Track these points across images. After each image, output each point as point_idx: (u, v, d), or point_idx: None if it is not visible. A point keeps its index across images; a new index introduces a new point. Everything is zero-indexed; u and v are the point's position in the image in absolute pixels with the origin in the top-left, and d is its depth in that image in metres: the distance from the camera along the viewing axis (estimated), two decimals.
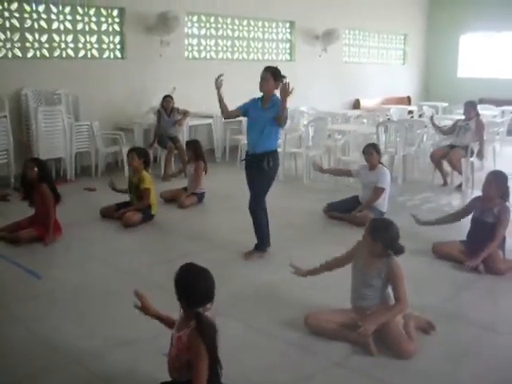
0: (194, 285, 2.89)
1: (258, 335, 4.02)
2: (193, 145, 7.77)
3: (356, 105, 14.66)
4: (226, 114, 5.64)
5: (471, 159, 8.55)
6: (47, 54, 9.12)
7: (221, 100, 5.50)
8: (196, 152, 7.68)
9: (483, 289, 4.93)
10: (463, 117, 9.07)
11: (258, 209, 5.50)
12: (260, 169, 5.33)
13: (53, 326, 4.10)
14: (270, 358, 3.74)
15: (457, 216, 5.73)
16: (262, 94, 5.38)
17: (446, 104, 13.86)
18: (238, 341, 3.84)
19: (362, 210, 6.60)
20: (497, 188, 5.30)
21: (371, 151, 6.78)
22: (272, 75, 5.24)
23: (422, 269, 5.26)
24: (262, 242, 5.61)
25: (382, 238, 3.84)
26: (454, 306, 4.55)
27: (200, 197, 7.63)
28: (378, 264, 3.89)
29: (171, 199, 7.56)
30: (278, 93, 5.26)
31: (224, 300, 3.95)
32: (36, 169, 5.88)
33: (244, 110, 5.51)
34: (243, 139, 10.28)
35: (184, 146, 8.53)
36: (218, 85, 5.47)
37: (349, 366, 3.64)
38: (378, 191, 6.67)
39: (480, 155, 8.70)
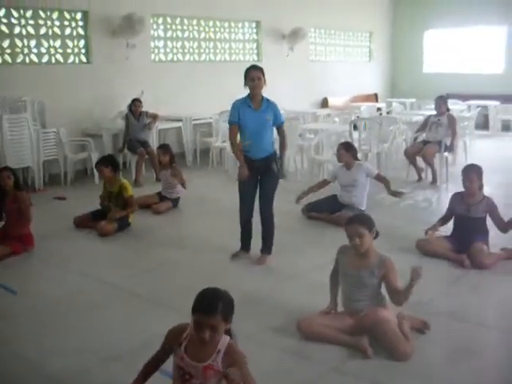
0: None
1: (248, 343, 3.83)
2: (168, 149, 7.59)
3: (324, 103, 14.62)
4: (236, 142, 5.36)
5: (445, 154, 8.57)
6: (10, 60, 8.86)
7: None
8: (172, 156, 7.53)
9: (471, 284, 4.88)
10: (434, 112, 9.10)
11: (271, 213, 5.37)
12: (269, 172, 5.22)
13: (35, 344, 3.91)
14: (262, 366, 3.57)
15: (446, 220, 5.61)
16: (248, 93, 5.18)
17: (413, 100, 13.94)
18: None
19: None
20: (478, 182, 5.31)
21: (340, 150, 6.80)
22: (262, 74, 5.11)
23: (408, 267, 5.17)
24: (272, 245, 5.47)
25: (373, 225, 3.84)
26: (444, 302, 4.49)
27: (175, 202, 7.47)
28: (368, 263, 3.82)
29: (145, 205, 7.38)
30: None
31: None
32: (12, 176, 5.71)
33: (238, 119, 5.18)
34: (214, 141, 10.21)
35: (155, 151, 8.36)
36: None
37: (346, 371, 3.53)
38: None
39: (451, 149, 8.74)
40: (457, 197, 5.50)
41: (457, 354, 3.70)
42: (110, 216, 6.39)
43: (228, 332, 2.83)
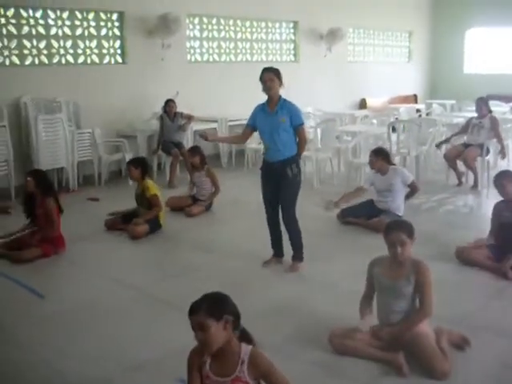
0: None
1: (275, 355, 3.69)
2: (196, 151, 7.49)
3: (362, 105, 14.37)
4: (239, 140, 5.49)
5: (486, 158, 8.26)
6: (46, 61, 8.86)
7: (223, 140, 5.28)
8: (202, 158, 7.42)
9: None
10: (475, 114, 8.79)
11: (292, 220, 5.22)
12: (284, 177, 5.08)
13: (59, 349, 3.83)
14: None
15: (493, 231, 5.32)
16: (267, 97, 5.06)
17: (453, 101, 13.58)
18: None
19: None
20: None
21: (370, 157, 6.60)
22: (275, 75, 4.96)
23: (447, 276, 4.93)
24: (302, 251, 5.31)
25: (414, 232, 3.67)
26: (486, 316, 4.25)
27: (208, 205, 7.35)
28: (404, 271, 3.63)
29: (178, 208, 7.28)
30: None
31: None
32: (32, 180, 5.65)
33: (253, 122, 5.19)
34: (249, 144, 10.06)
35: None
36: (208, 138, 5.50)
37: None
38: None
39: (502, 154, 8.40)
40: (500, 205, 5.24)
41: (500, 374, 3.47)
42: (136, 220, 6.32)
43: (246, 337, 2.73)
